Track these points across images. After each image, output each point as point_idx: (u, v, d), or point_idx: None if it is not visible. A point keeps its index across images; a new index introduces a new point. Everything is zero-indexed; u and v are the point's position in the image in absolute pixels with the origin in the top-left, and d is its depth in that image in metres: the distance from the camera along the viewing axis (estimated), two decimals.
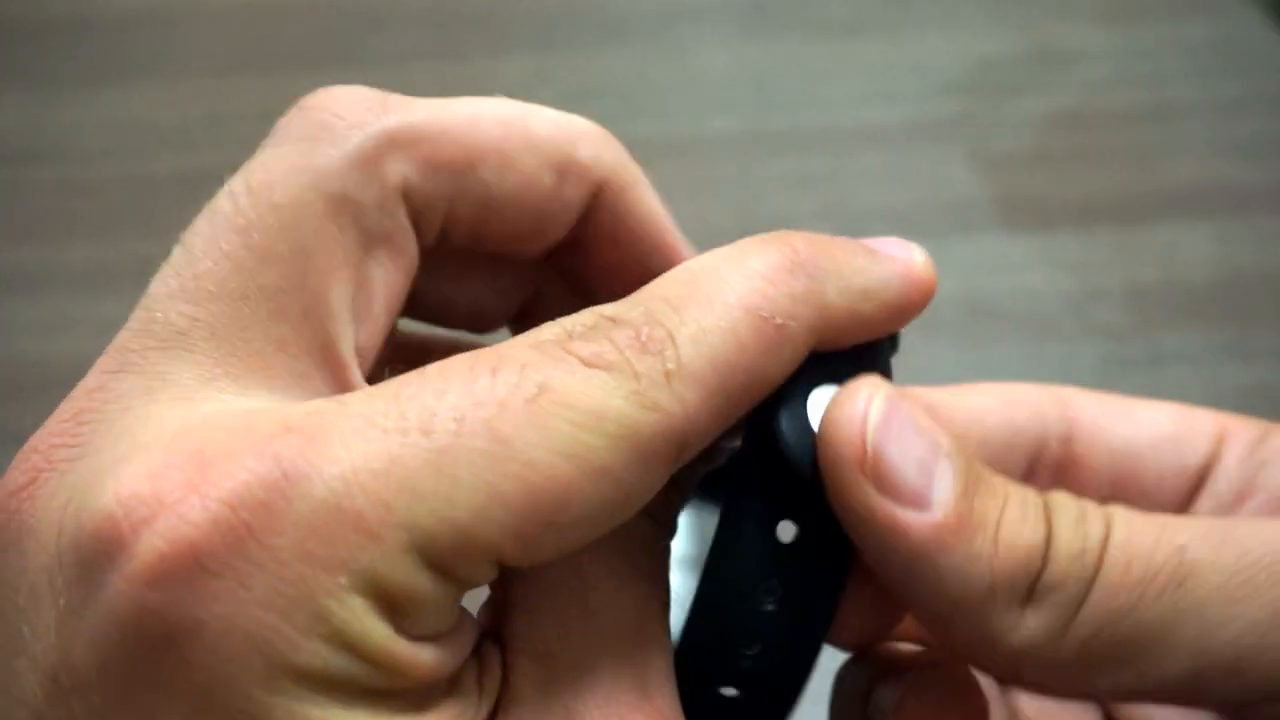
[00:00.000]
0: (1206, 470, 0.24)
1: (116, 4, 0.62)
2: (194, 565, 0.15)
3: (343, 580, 0.16)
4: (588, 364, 0.17)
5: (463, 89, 0.63)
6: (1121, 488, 0.25)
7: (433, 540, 0.16)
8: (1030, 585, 0.18)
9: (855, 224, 0.47)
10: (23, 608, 0.16)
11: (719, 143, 0.51)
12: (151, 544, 0.15)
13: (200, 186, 0.45)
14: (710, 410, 0.17)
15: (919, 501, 0.18)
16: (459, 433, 0.16)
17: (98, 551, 0.16)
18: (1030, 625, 0.18)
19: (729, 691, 0.19)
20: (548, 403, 0.16)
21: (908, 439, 0.18)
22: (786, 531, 0.19)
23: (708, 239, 0.51)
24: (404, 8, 0.61)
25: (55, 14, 0.61)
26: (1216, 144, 0.50)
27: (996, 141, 0.51)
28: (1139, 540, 0.19)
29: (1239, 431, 0.25)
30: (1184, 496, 0.25)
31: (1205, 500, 0.24)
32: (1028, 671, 0.19)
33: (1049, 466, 0.25)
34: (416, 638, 0.16)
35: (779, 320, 0.18)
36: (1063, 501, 0.19)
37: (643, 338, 0.17)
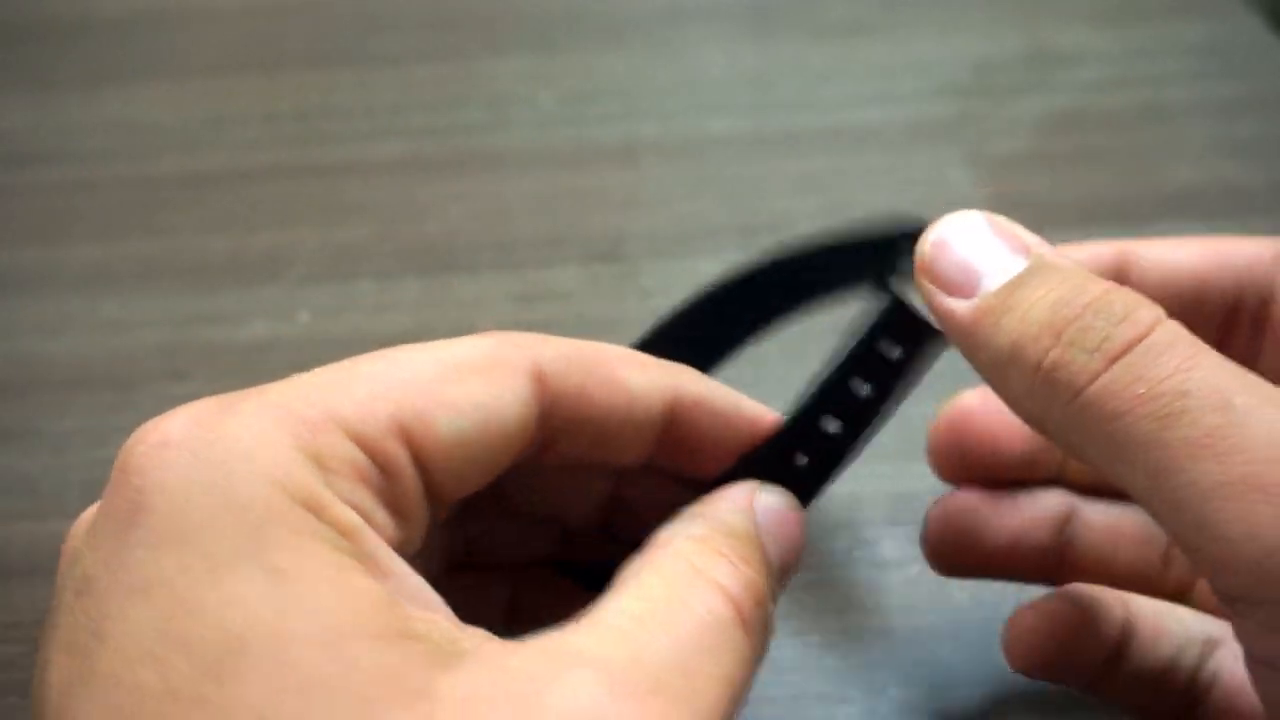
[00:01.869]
0: None
1: (117, 5, 0.62)
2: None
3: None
4: None
5: (463, 89, 0.63)
6: None
7: None
8: (1038, 362, 0.22)
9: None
10: None
11: (719, 143, 0.52)
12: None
13: (201, 187, 0.45)
14: None
15: (965, 291, 0.23)
16: None
17: None
18: (1038, 395, 0.22)
19: (801, 459, 0.25)
20: None
21: (966, 244, 0.24)
22: (891, 351, 0.25)
23: (708, 239, 0.52)
24: (404, 8, 0.61)
25: (55, 15, 0.61)
26: (1215, 145, 0.50)
27: (995, 142, 0.51)
28: (1163, 362, 0.20)
29: None
30: None
31: None
32: (1046, 433, 0.22)
33: (1245, 326, 0.26)
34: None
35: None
36: (1118, 299, 0.22)
37: None
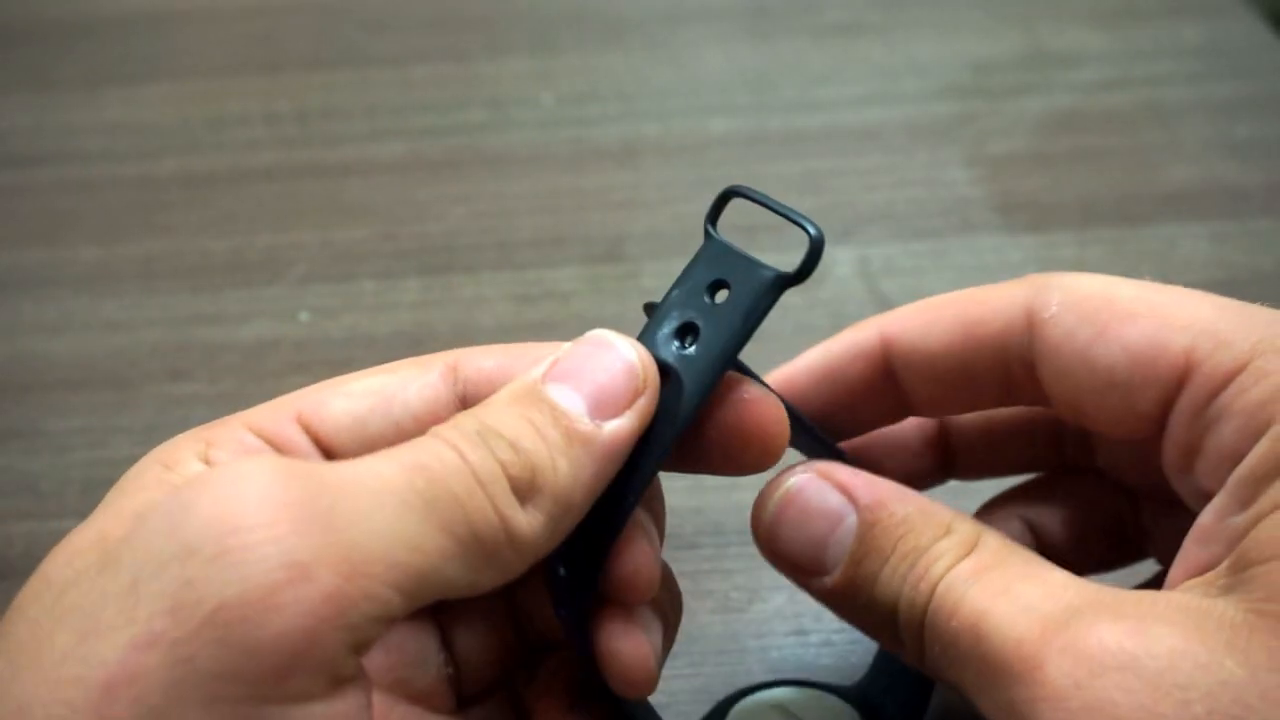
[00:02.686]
0: (1164, 415, 0.24)
1: (117, 5, 0.62)
2: None
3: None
4: None
5: (463, 89, 0.63)
6: (1085, 418, 0.25)
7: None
8: (894, 630, 0.24)
9: (855, 224, 0.47)
10: None
11: (719, 143, 0.52)
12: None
13: (202, 187, 0.45)
14: None
15: (817, 569, 0.24)
16: None
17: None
18: (906, 656, 0.24)
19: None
20: None
21: (803, 522, 0.24)
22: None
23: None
24: (404, 8, 0.61)
25: (56, 17, 0.61)
26: (1213, 145, 0.50)
27: (995, 142, 0.51)
28: (948, 608, 0.22)
29: (1204, 370, 0.23)
30: (1147, 432, 0.24)
31: (1167, 446, 0.24)
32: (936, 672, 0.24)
33: (1021, 389, 0.26)
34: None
35: None
36: (936, 555, 0.23)
37: None
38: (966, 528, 0.24)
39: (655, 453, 0.23)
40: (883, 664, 0.29)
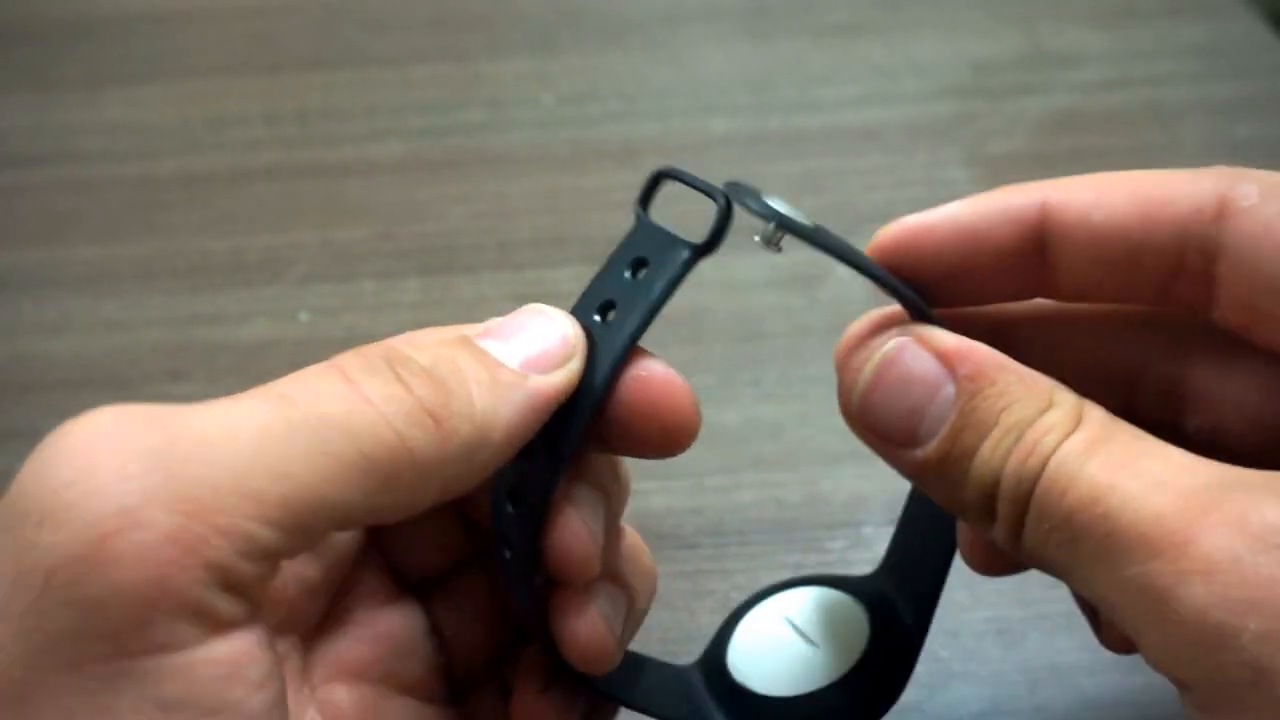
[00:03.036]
0: None
1: (117, 5, 0.62)
2: None
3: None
4: None
5: (463, 89, 0.63)
6: (1257, 324, 0.23)
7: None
8: (989, 507, 0.22)
9: (855, 224, 0.47)
10: None
11: (719, 143, 0.52)
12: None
13: (202, 187, 0.45)
14: None
15: (910, 441, 0.23)
16: None
17: None
18: (997, 533, 0.22)
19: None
20: None
21: (900, 390, 0.23)
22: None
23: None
24: (404, 8, 0.61)
25: (56, 16, 0.61)
26: (1213, 146, 0.50)
27: (995, 142, 0.51)
28: (1061, 485, 0.21)
29: None
30: None
31: None
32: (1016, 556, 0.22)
33: (1188, 283, 0.23)
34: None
35: None
36: (1044, 424, 0.21)
37: None
38: (1069, 400, 0.22)
39: (576, 425, 0.23)
40: (897, 557, 0.28)
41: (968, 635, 0.33)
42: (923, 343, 0.23)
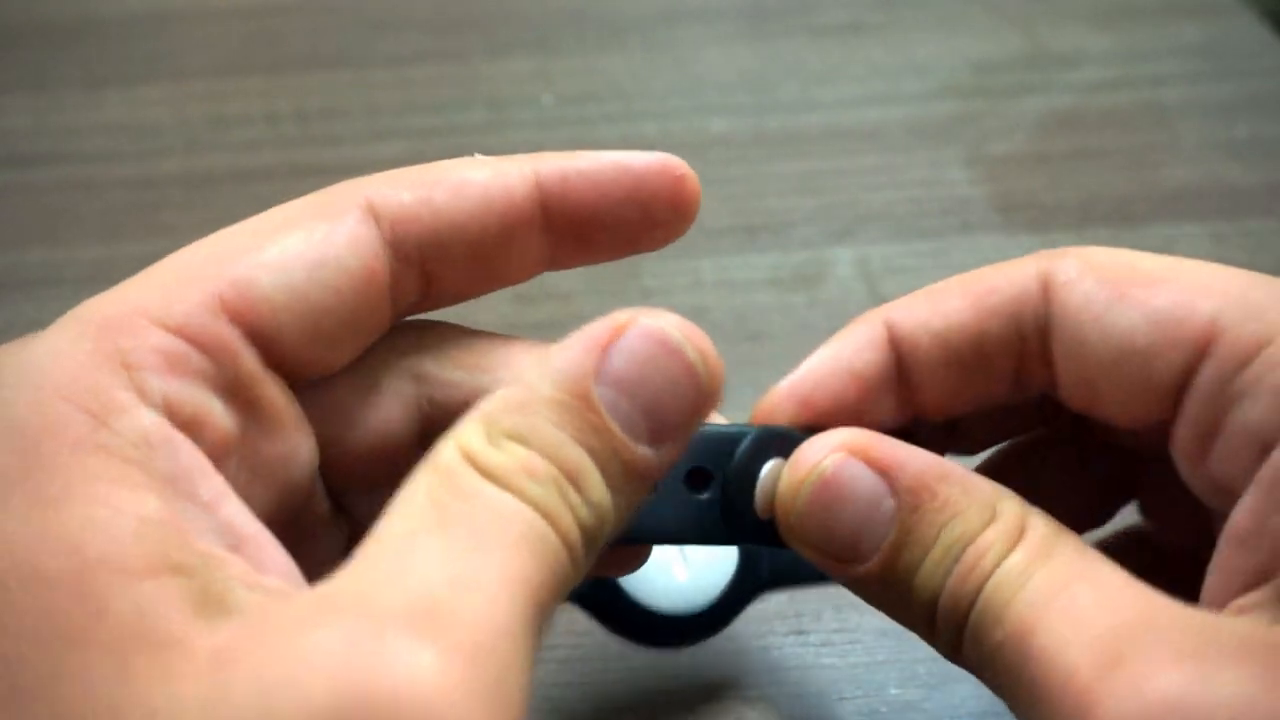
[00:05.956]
0: (1182, 388, 0.21)
1: (117, 6, 0.62)
2: None
3: None
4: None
5: (464, 90, 0.63)
6: (1095, 397, 0.23)
7: None
8: (931, 622, 0.22)
9: (855, 224, 0.47)
10: None
11: (719, 143, 0.52)
12: None
13: (202, 187, 0.46)
14: None
15: (851, 558, 0.22)
16: None
17: None
18: (939, 647, 0.22)
19: None
20: None
21: (838, 509, 0.22)
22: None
23: (708, 239, 0.52)
24: (404, 8, 0.61)
25: (56, 16, 0.61)
26: (1213, 146, 0.50)
27: (995, 142, 0.51)
28: (995, 613, 0.21)
29: (1230, 338, 0.21)
30: (1161, 412, 0.22)
31: (1180, 428, 0.22)
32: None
33: (1034, 367, 0.24)
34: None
35: None
36: (981, 546, 0.21)
37: None
38: (1012, 510, 0.22)
39: None
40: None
41: None
42: (861, 455, 0.22)
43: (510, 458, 0.18)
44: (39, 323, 0.48)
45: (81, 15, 0.61)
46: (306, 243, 0.20)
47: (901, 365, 0.24)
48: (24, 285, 0.46)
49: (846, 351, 0.24)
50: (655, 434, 0.19)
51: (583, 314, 0.49)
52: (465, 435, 0.19)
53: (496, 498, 0.18)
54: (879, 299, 0.43)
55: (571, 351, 0.19)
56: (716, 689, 0.32)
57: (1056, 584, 0.20)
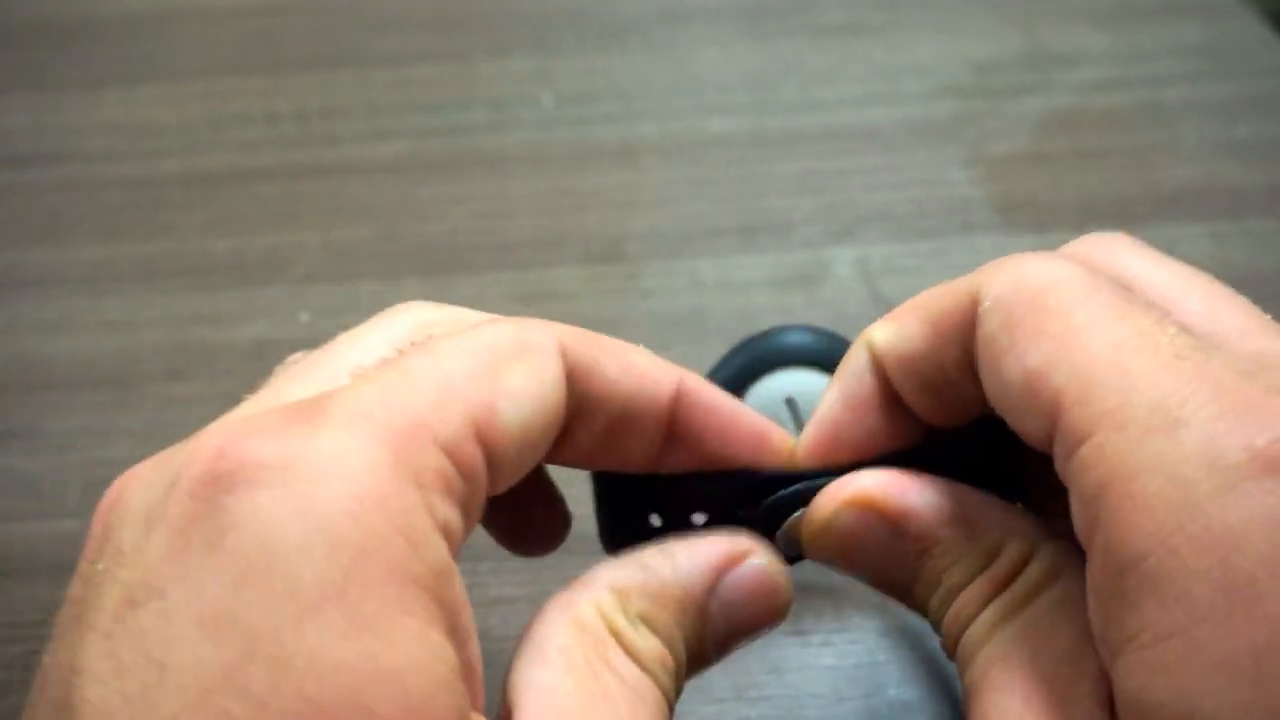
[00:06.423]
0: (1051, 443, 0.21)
1: (117, 5, 0.62)
2: None
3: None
4: None
5: (463, 89, 0.63)
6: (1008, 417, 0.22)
7: None
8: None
9: (855, 224, 0.47)
10: None
11: (719, 143, 0.52)
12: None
13: (202, 187, 0.45)
14: None
15: (886, 591, 0.24)
16: None
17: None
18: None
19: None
20: None
21: (862, 557, 0.24)
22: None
23: (708, 239, 0.52)
24: (404, 8, 0.61)
25: (55, 15, 0.61)
26: (1213, 145, 0.50)
27: (995, 142, 0.51)
28: (963, 663, 0.22)
29: (1065, 423, 0.20)
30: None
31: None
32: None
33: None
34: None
35: None
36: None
37: None
38: (1015, 549, 0.22)
39: None
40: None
41: None
42: (868, 508, 0.23)
43: (650, 645, 0.21)
44: (39, 323, 0.48)
45: (81, 15, 0.61)
46: (528, 378, 0.21)
47: (887, 387, 0.24)
48: (24, 285, 0.46)
49: (850, 387, 0.24)
50: (726, 646, 0.23)
51: (583, 314, 0.49)
52: (605, 604, 0.21)
53: (640, 680, 0.21)
54: (879, 299, 0.44)
55: (695, 562, 0.22)
56: (716, 689, 0.32)
57: (1007, 648, 0.21)
